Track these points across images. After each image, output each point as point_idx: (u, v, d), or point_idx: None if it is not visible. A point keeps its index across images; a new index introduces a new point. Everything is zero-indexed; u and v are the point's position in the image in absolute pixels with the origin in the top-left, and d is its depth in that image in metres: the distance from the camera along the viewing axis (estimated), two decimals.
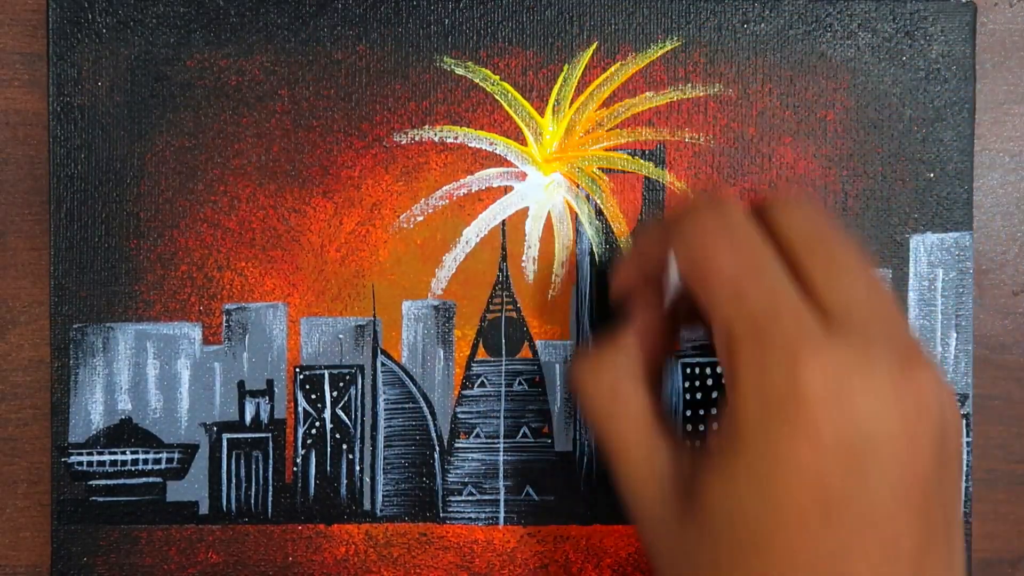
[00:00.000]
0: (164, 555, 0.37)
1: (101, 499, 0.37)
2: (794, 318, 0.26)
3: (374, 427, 0.38)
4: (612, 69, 0.38)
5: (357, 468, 0.38)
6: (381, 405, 0.38)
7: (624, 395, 0.31)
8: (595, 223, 0.38)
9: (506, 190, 0.38)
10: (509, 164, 0.38)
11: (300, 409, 0.38)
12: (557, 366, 0.38)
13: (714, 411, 0.38)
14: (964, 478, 0.38)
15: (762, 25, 0.38)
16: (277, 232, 0.38)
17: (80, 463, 0.37)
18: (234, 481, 0.38)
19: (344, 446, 0.38)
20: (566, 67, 0.38)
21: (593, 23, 0.38)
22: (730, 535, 0.26)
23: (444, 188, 0.38)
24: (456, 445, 0.38)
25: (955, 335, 0.38)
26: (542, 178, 0.38)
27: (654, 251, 0.32)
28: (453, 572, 0.38)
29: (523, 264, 0.38)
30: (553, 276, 0.38)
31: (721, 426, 0.27)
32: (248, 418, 0.38)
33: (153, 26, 0.37)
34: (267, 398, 0.38)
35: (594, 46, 0.38)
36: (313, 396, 0.38)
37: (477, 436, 0.38)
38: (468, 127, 0.38)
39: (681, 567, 0.28)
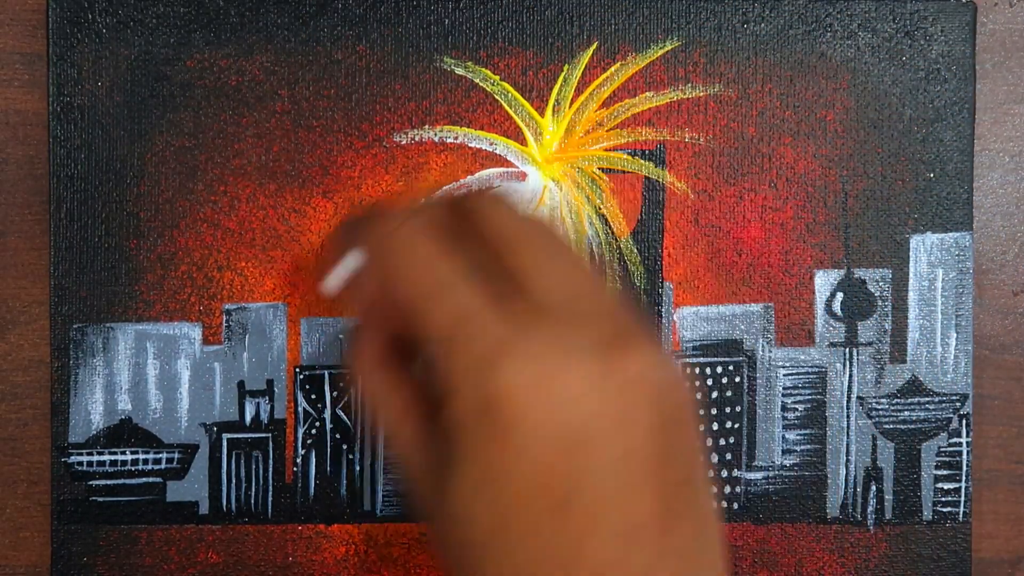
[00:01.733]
0: (164, 555, 0.37)
1: (101, 499, 0.37)
2: (482, 327, 0.26)
3: (374, 427, 0.38)
4: (612, 69, 0.38)
5: (357, 468, 0.38)
6: None
7: (377, 385, 0.30)
8: (595, 223, 0.38)
9: (506, 190, 0.38)
10: (509, 164, 0.38)
11: (300, 409, 0.38)
12: None
13: (714, 411, 0.38)
14: (968, 481, 0.38)
15: (762, 25, 0.38)
16: (277, 232, 0.38)
17: (80, 463, 0.37)
18: (234, 481, 0.38)
19: (344, 446, 0.38)
20: (566, 67, 0.38)
21: (593, 23, 0.38)
22: (466, 539, 0.26)
23: (444, 188, 0.38)
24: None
25: (955, 335, 0.38)
26: (542, 178, 0.38)
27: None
28: None
29: None
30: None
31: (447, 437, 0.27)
32: (248, 418, 0.38)
33: (153, 26, 0.37)
34: (267, 398, 0.38)
35: (594, 46, 0.38)
36: (313, 396, 0.38)
37: None
38: (468, 127, 0.38)
39: (445, 559, 0.28)
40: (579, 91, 0.38)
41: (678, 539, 0.26)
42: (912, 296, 0.38)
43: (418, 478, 0.28)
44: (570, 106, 0.38)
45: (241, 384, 0.38)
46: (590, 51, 0.38)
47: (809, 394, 0.38)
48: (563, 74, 0.38)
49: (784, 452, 0.38)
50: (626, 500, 0.25)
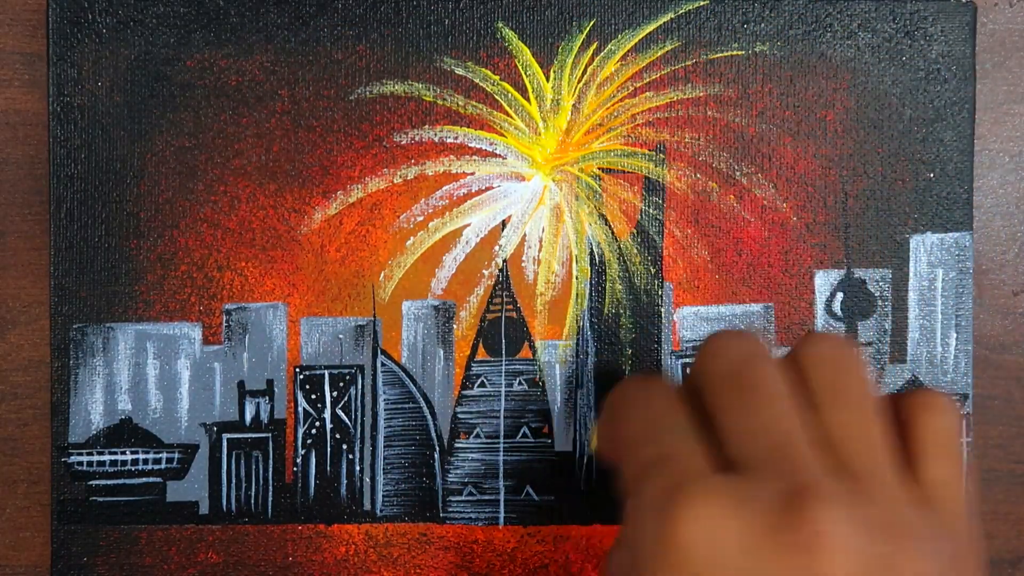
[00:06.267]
0: (164, 555, 0.37)
1: (101, 499, 0.37)
2: (679, 464, 0.25)
3: (374, 427, 0.38)
4: (612, 69, 0.38)
5: (357, 468, 0.38)
6: (381, 405, 0.38)
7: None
8: (595, 223, 0.38)
9: (506, 190, 0.38)
10: (509, 164, 0.38)
11: (300, 409, 0.38)
12: (557, 366, 0.38)
13: None
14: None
15: (762, 25, 0.38)
16: (277, 232, 0.38)
17: (80, 463, 0.37)
18: (234, 481, 0.38)
19: (344, 446, 0.38)
20: (566, 67, 0.38)
21: (593, 23, 0.38)
22: None
23: (444, 188, 0.38)
24: (456, 445, 0.38)
25: (955, 335, 0.38)
26: (542, 178, 0.38)
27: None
28: (453, 572, 0.38)
29: (523, 264, 0.38)
30: (553, 276, 0.38)
31: None
32: (248, 418, 0.38)
33: (153, 26, 0.37)
34: (267, 398, 0.38)
35: (594, 46, 0.38)
36: (313, 396, 0.38)
37: (477, 436, 0.38)
38: (468, 127, 0.38)
39: None
40: (579, 91, 0.38)
41: None
42: (912, 296, 0.38)
43: None
44: (570, 106, 0.38)
45: (241, 384, 0.38)
46: (590, 51, 0.38)
47: None
48: (563, 74, 0.38)
49: None
50: None
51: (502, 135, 0.38)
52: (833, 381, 0.26)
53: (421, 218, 0.38)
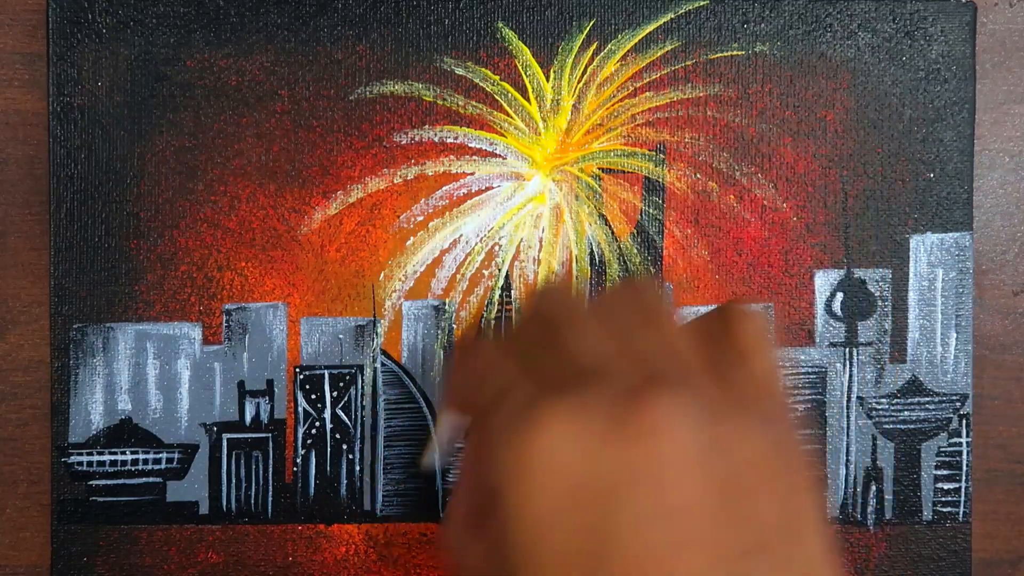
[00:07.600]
0: (164, 555, 0.37)
1: (101, 499, 0.37)
2: (517, 394, 0.26)
3: (374, 427, 0.38)
4: (612, 69, 0.38)
5: (357, 468, 0.38)
6: (381, 405, 0.38)
7: (460, 538, 0.29)
8: (595, 223, 0.38)
9: (506, 190, 0.38)
10: (509, 164, 0.38)
11: (300, 409, 0.38)
12: None
13: None
14: (968, 481, 0.38)
15: (762, 25, 0.38)
16: (277, 232, 0.38)
17: (80, 463, 0.37)
18: (234, 481, 0.38)
19: (344, 446, 0.38)
20: (566, 67, 0.38)
21: (593, 24, 0.38)
22: None
23: (444, 188, 0.38)
24: (456, 445, 0.38)
25: (955, 335, 0.38)
26: (542, 178, 0.38)
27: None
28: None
29: (523, 264, 0.38)
30: (553, 276, 0.38)
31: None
32: (248, 418, 0.38)
33: (153, 26, 0.37)
34: (267, 398, 0.38)
35: (594, 46, 0.38)
36: (313, 396, 0.38)
37: None
38: (468, 127, 0.38)
39: None
40: (579, 91, 0.38)
41: None
42: (912, 296, 0.38)
43: None
44: (570, 106, 0.38)
45: (241, 384, 0.38)
46: (590, 51, 0.38)
47: (809, 394, 0.38)
48: (563, 74, 0.38)
49: None
50: (674, 558, 0.24)
51: (502, 135, 0.38)
52: (637, 314, 0.28)
53: (421, 218, 0.38)
